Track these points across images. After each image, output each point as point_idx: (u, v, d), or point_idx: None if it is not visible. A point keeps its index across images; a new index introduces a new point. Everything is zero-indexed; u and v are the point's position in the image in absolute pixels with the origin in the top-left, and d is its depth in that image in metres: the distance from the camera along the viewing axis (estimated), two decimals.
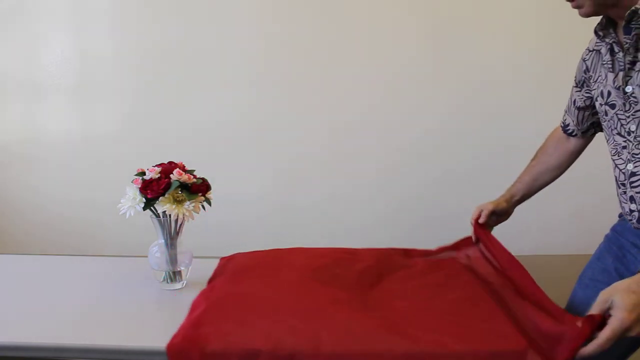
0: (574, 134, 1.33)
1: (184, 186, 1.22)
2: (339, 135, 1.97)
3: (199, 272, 1.37)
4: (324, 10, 1.92)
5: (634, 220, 1.13)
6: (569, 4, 1.06)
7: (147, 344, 0.98)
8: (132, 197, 1.22)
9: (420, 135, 1.98)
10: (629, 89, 1.06)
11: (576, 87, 1.28)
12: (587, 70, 1.22)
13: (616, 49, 1.08)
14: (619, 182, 1.15)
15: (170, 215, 1.22)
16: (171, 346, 0.97)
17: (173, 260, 1.27)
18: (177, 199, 1.22)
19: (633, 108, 1.06)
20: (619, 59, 1.08)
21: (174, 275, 1.28)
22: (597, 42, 1.17)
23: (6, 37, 1.98)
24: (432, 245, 1.93)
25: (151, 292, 1.27)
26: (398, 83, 1.95)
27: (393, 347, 0.97)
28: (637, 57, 1.04)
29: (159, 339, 0.99)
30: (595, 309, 0.87)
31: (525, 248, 1.92)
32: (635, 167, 1.09)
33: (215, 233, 2.04)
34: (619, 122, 1.10)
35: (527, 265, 1.17)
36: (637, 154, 1.08)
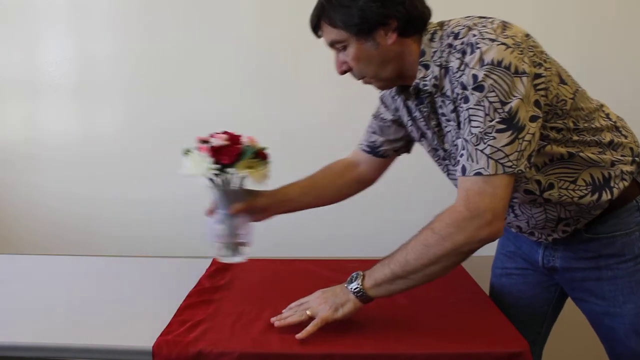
0: (386, 154, 1.29)
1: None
2: (336, 136, 1.97)
3: (190, 271, 1.37)
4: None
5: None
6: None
7: (147, 343, 0.98)
8: (200, 165, 1.16)
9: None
10: (447, 146, 1.10)
11: (389, 112, 1.24)
12: (394, 108, 1.22)
13: (421, 110, 1.09)
14: None
15: (238, 181, 1.17)
16: (157, 345, 0.97)
17: (234, 231, 1.22)
18: (250, 165, 1.17)
19: (456, 164, 1.09)
20: (427, 121, 1.10)
21: (235, 247, 1.24)
22: None
23: (6, 37, 1.98)
24: None
25: (151, 292, 1.27)
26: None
27: (393, 349, 0.97)
28: (438, 119, 1.07)
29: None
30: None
31: None
32: None
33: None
34: (456, 171, 1.12)
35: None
36: None
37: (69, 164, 2.03)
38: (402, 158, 1.98)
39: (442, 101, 1.03)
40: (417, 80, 1.03)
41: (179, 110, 1.98)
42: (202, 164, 1.15)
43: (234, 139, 1.18)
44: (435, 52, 1.01)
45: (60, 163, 2.04)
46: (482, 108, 0.91)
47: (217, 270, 1.40)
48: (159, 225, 2.04)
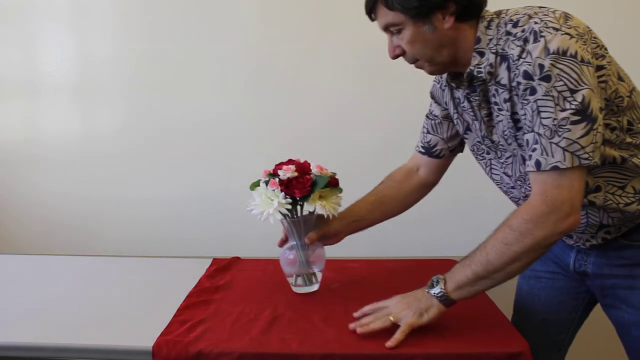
0: (442, 154, 1.28)
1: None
2: (337, 136, 1.97)
3: (190, 271, 1.37)
4: (326, 10, 1.92)
5: None
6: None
7: (147, 343, 0.98)
8: (271, 200, 1.12)
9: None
10: (495, 138, 1.08)
11: (439, 107, 1.25)
12: (445, 102, 1.21)
13: (471, 99, 1.08)
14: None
15: (310, 213, 1.14)
16: (157, 345, 0.97)
17: (308, 261, 1.20)
18: (322, 195, 1.15)
19: (504, 155, 1.09)
20: (476, 110, 1.09)
21: (309, 277, 1.22)
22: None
23: (6, 37, 1.98)
24: (433, 247, 1.94)
25: (151, 292, 1.28)
26: (400, 85, 1.95)
27: (394, 349, 0.97)
28: (489, 108, 1.05)
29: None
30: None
31: None
32: None
33: (213, 233, 2.04)
34: (501, 164, 1.12)
35: None
36: (527, 194, 1.08)
37: (68, 163, 2.04)
38: (402, 158, 1.98)
39: (496, 89, 1.01)
40: (471, 67, 1.02)
41: (179, 110, 1.98)
42: (273, 200, 1.12)
43: (302, 168, 1.15)
44: (491, 39, 0.99)
45: (60, 163, 2.04)
46: (551, 98, 0.89)
47: (217, 270, 1.40)
48: (159, 225, 2.04)
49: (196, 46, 1.95)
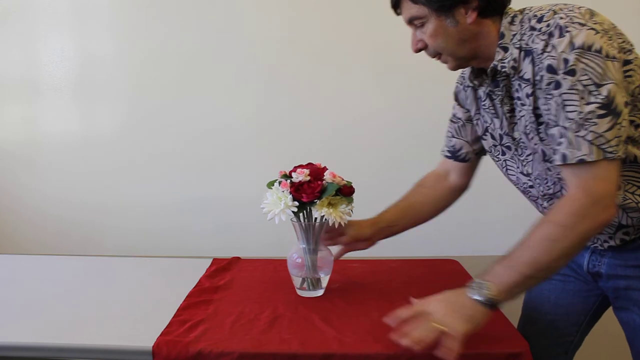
0: (467, 158, 1.29)
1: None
2: (343, 138, 1.97)
3: (190, 271, 1.37)
4: (329, 11, 1.92)
5: None
6: None
7: (147, 344, 0.98)
8: (280, 201, 1.14)
9: (431, 139, 1.97)
10: (516, 134, 1.08)
11: (462, 109, 1.26)
12: (467, 102, 1.21)
13: (494, 96, 1.09)
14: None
15: (317, 219, 1.16)
16: (157, 345, 0.97)
17: (314, 266, 1.20)
18: (331, 203, 1.16)
19: (524, 152, 1.08)
20: (498, 107, 1.09)
21: (315, 282, 1.22)
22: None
23: (6, 36, 1.98)
24: (433, 247, 1.93)
25: (151, 292, 1.27)
26: (407, 85, 1.95)
27: (393, 349, 0.97)
28: (512, 104, 1.06)
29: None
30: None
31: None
32: (551, 204, 1.10)
33: (213, 233, 2.04)
34: (519, 163, 1.11)
35: None
36: (544, 194, 1.09)
37: (68, 163, 2.04)
38: (402, 158, 1.98)
39: (519, 84, 1.01)
40: (495, 62, 1.02)
41: (180, 110, 1.98)
42: (281, 201, 1.13)
43: (316, 173, 1.16)
44: (515, 34, 1.00)
45: (60, 163, 2.04)
46: (576, 92, 0.90)
47: (217, 270, 1.40)
48: (159, 225, 2.04)
49: (196, 46, 1.95)
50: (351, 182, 1.21)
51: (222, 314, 1.12)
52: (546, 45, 0.93)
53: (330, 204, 1.16)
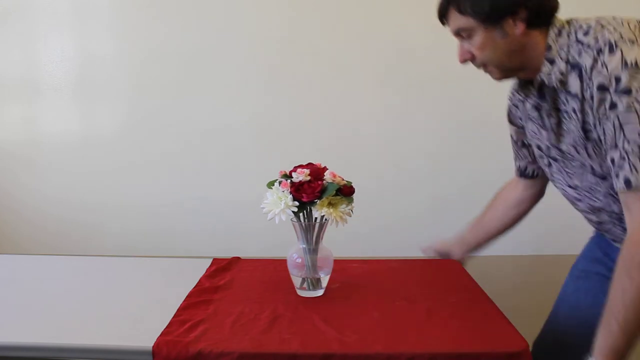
0: (535, 174, 1.29)
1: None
2: (345, 139, 1.97)
3: (190, 271, 1.37)
4: (329, 11, 1.92)
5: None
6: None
7: (147, 344, 0.98)
8: (280, 201, 1.14)
9: (432, 139, 1.97)
10: (563, 147, 1.07)
11: (514, 126, 1.26)
12: (518, 117, 1.22)
13: (540, 108, 1.08)
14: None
15: (317, 219, 1.16)
16: (157, 345, 0.97)
17: (314, 266, 1.20)
18: (331, 203, 1.16)
19: (571, 165, 1.08)
20: (545, 119, 1.08)
21: (315, 282, 1.22)
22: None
23: (6, 36, 1.98)
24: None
25: (151, 292, 1.27)
26: (409, 85, 1.95)
27: (393, 348, 0.97)
28: (559, 117, 1.05)
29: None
30: None
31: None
32: (598, 217, 1.09)
33: (214, 234, 2.04)
34: (567, 175, 1.11)
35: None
36: (592, 206, 1.08)
37: (69, 164, 2.04)
38: (402, 158, 1.98)
39: (566, 98, 1.00)
40: (541, 75, 1.01)
41: (180, 110, 1.98)
42: (281, 201, 1.13)
43: (316, 173, 1.16)
44: (561, 47, 0.98)
45: (60, 163, 2.04)
46: (634, 112, 0.87)
47: (217, 270, 1.40)
48: (159, 225, 2.05)
49: (197, 46, 1.95)
50: (351, 182, 1.21)
51: (222, 314, 1.12)
52: (595, 62, 0.91)
53: (330, 204, 1.16)
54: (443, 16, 1.06)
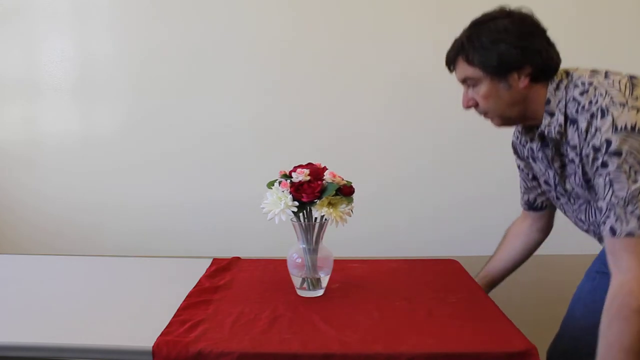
0: (544, 205, 1.32)
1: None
2: (345, 139, 1.97)
3: (190, 271, 1.37)
4: (331, 14, 1.92)
5: None
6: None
7: (146, 344, 0.98)
8: (280, 201, 1.14)
9: (432, 140, 1.97)
10: (568, 187, 1.12)
11: (521, 160, 1.29)
12: (525, 155, 1.24)
13: (545, 152, 1.12)
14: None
15: (317, 219, 1.16)
16: (157, 345, 0.97)
17: (314, 266, 1.20)
18: (331, 202, 1.16)
19: (577, 201, 1.13)
20: (550, 161, 1.12)
21: (315, 282, 1.22)
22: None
23: (6, 36, 1.98)
24: (434, 247, 1.93)
25: (151, 292, 1.27)
26: (409, 87, 1.95)
27: (393, 348, 0.97)
28: (563, 161, 1.09)
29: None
30: None
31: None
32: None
33: (215, 235, 2.04)
34: (573, 210, 1.16)
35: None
36: (600, 238, 1.12)
37: (69, 164, 2.04)
38: (402, 158, 1.98)
39: (567, 148, 1.06)
40: (542, 127, 1.07)
41: (180, 110, 1.98)
42: (281, 201, 1.14)
43: (316, 173, 1.16)
44: (559, 101, 1.05)
45: (60, 163, 2.04)
46: (623, 172, 0.94)
47: (217, 270, 1.40)
48: (159, 225, 2.04)
49: (197, 46, 1.95)
50: (351, 182, 1.21)
51: (222, 314, 1.12)
52: (589, 126, 0.97)
53: (330, 204, 1.16)
54: (451, 63, 1.12)
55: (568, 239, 1.98)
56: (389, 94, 1.95)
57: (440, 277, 1.37)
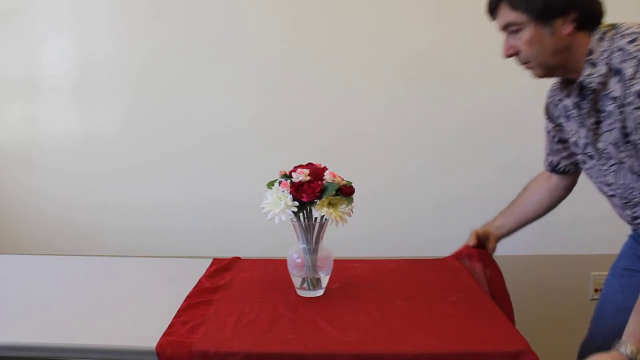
0: (567, 170, 1.32)
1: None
2: (345, 139, 1.97)
3: (190, 271, 1.37)
4: (331, 13, 1.92)
5: None
6: None
7: (147, 344, 0.98)
8: (280, 201, 1.14)
9: (433, 140, 1.97)
10: (600, 145, 1.10)
11: (551, 122, 1.28)
12: (557, 115, 1.24)
13: (581, 107, 1.11)
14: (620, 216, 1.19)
15: (317, 219, 1.16)
16: (160, 345, 0.97)
17: (314, 266, 1.20)
18: (331, 203, 1.16)
19: (608, 162, 1.11)
20: (585, 117, 1.11)
21: (315, 282, 1.22)
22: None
23: (6, 36, 1.98)
24: (433, 247, 1.93)
25: (151, 292, 1.27)
26: (410, 86, 1.95)
27: (393, 348, 0.97)
28: (598, 117, 1.08)
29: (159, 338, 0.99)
30: None
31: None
32: (633, 212, 1.12)
33: (215, 235, 2.04)
34: (600, 173, 1.14)
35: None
36: (627, 203, 1.11)
37: (69, 164, 2.03)
38: (402, 158, 1.98)
39: (606, 100, 1.03)
40: (583, 77, 1.05)
41: (180, 110, 1.98)
42: (281, 201, 1.14)
43: (316, 173, 1.16)
44: (604, 51, 1.02)
45: (60, 163, 2.04)
46: None
47: (217, 270, 1.40)
48: (159, 225, 2.04)
49: (197, 46, 1.95)
50: (351, 182, 1.21)
51: (223, 314, 1.12)
52: (636, 72, 0.96)
53: (330, 204, 1.16)
54: (493, 10, 1.09)
55: (568, 239, 1.99)
56: (389, 94, 1.95)
57: (440, 277, 1.37)
